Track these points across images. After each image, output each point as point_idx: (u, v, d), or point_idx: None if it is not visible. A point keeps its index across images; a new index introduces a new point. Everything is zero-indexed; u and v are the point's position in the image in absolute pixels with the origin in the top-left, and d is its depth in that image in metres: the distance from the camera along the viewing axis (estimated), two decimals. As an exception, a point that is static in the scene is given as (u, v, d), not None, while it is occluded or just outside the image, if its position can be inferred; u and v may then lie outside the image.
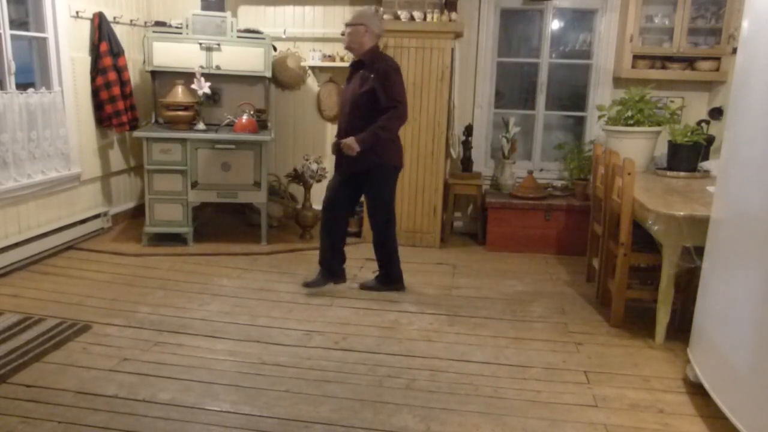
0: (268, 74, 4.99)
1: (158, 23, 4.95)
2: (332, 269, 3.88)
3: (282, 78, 5.38)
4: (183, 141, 4.55)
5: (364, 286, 3.92)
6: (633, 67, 4.81)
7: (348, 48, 3.63)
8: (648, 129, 4.26)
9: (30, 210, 4.18)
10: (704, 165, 4.23)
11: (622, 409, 2.62)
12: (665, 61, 4.84)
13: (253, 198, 4.79)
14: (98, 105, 4.74)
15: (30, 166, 4.13)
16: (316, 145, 5.54)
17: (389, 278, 3.91)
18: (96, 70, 4.65)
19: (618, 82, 5.06)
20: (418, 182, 4.87)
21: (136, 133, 4.61)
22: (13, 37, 3.97)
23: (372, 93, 3.49)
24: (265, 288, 3.91)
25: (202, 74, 4.68)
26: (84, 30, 4.62)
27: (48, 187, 4.30)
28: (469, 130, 5.11)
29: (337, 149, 3.67)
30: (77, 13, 4.48)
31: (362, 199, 3.91)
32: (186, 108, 4.73)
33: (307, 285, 3.87)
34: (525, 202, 4.90)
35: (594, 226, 4.17)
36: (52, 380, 2.67)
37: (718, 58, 4.70)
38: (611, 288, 3.55)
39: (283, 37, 5.19)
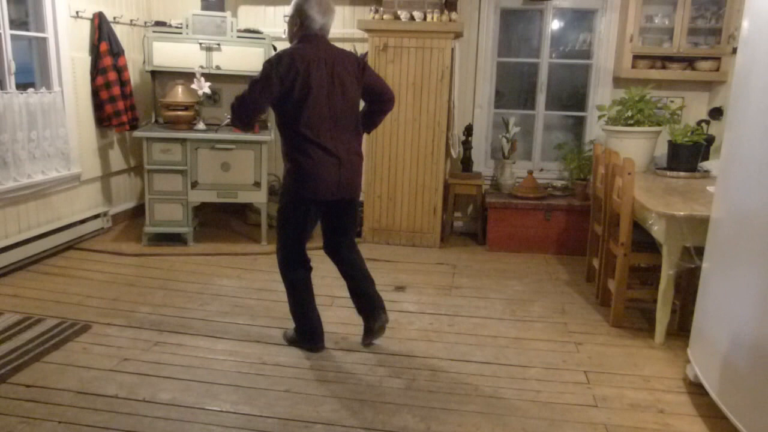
0: (268, 74, 4.98)
1: (158, 23, 4.95)
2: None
3: (282, 78, 5.37)
4: (183, 141, 4.55)
5: (284, 335, 3.22)
6: (633, 67, 4.81)
7: None
8: (648, 129, 4.26)
9: (30, 210, 4.18)
10: (704, 165, 4.23)
11: (622, 409, 2.62)
12: (665, 61, 4.83)
13: (253, 198, 4.79)
14: (98, 105, 4.74)
15: (30, 166, 4.13)
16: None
17: (295, 329, 3.15)
18: (96, 70, 4.65)
19: (618, 82, 5.06)
20: (418, 182, 4.87)
21: (136, 133, 4.61)
22: (13, 37, 3.97)
23: None
24: (265, 288, 3.91)
25: (202, 74, 4.68)
26: (84, 30, 4.62)
27: (48, 187, 4.30)
28: (469, 130, 5.11)
29: None
30: (77, 13, 4.48)
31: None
32: (186, 108, 4.73)
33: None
34: (525, 202, 4.90)
35: (594, 226, 4.17)
36: (52, 380, 2.68)
37: (718, 58, 4.70)
38: (611, 288, 3.55)
39: (283, 37, 5.16)
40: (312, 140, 2.78)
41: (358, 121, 2.97)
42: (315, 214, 2.97)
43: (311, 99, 2.75)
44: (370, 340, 3.15)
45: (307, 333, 3.09)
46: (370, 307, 3.10)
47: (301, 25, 2.83)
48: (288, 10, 2.90)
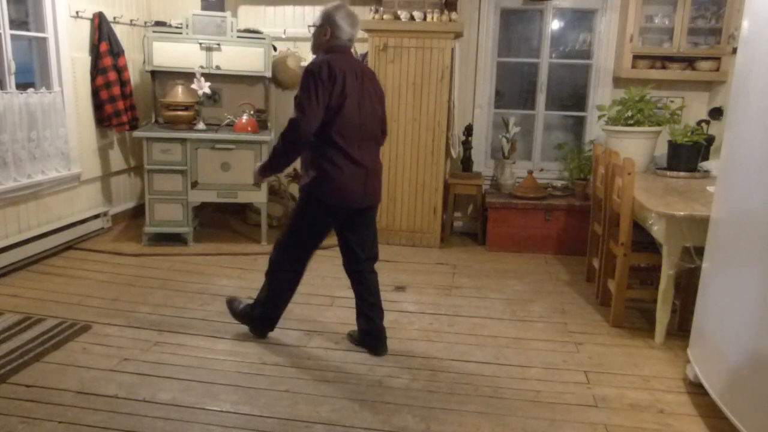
0: (268, 74, 4.99)
1: (158, 23, 4.95)
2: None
3: (282, 78, 5.37)
4: (183, 141, 4.55)
5: (229, 302, 3.31)
6: (633, 67, 4.81)
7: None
8: (648, 129, 4.26)
9: (30, 210, 4.18)
10: (704, 165, 4.23)
11: (622, 409, 2.62)
12: (665, 61, 4.83)
13: (253, 198, 4.79)
14: (98, 105, 4.74)
15: (30, 166, 4.13)
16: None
17: (251, 312, 3.17)
18: (96, 70, 4.65)
19: (618, 82, 5.05)
20: (418, 182, 4.87)
21: (136, 133, 4.61)
22: (13, 37, 3.97)
23: None
24: (265, 288, 3.90)
25: (202, 74, 4.68)
26: (84, 30, 4.62)
27: (48, 187, 4.30)
28: (469, 130, 5.12)
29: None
30: (77, 13, 4.48)
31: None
32: (186, 108, 4.73)
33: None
34: (525, 202, 4.90)
35: (594, 226, 4.17)
36: (52, 380, 2.68)
37: (718, 58, 4.70)
38: (611, 288, 3.55)
39: (283, 37, 5.19)
40: (342, 149, 2.78)
41: (379, 133, 3.00)
42: (334, 223, 2.96)
43: (346, 108, 2.75)
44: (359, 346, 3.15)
45: (268, 321, 3.14)
46: (372, 336, 3.09)
47: (331, 35, 2.83)
48: (315, 20, 2.91)
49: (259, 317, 3.14)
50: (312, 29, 2.95)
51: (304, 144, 2.76)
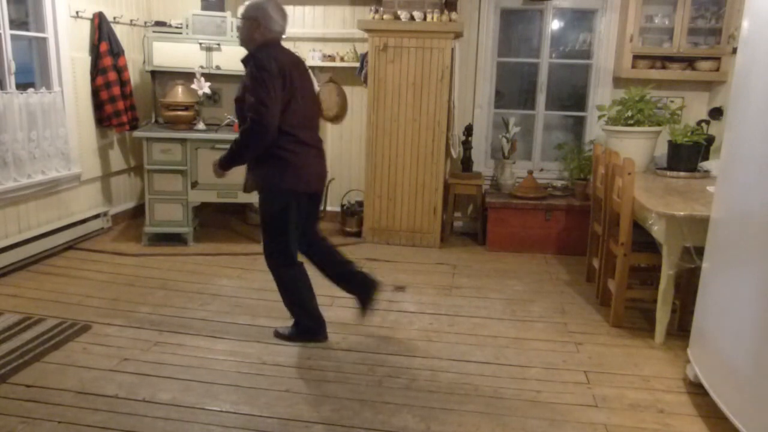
0: (268, 74, 4.98)
1: (158, 23, 4.96)
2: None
3: (282, 78, 5.37)
4: (183, 141, 4.55)
5: (277, 333, 3.21)
6: (633, 67, 4.81)
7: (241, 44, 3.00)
8: (648, 129, 4.26)
9: (30, 210, 4.18)
10: (704, 165, 4.23)
11: (622, 409, 2.62)
12: (665, 61, 4.83)
13: (253, 198, 4.76)
14: (98, 105, 4.74)
15: (30, 166, 4.13)
16: (316, 145, 5.54)
17: (298, 326, 3.18)
18: (96, 70, 4.65)
19: (618, 82, 5.05)
20: (418, 182, 4.87)
21: (136, 133, 4.61)
22: (13, 37, 3.97)
23: (243, 100, 2.81)
24: (265, 288, 3.90)
25: (202, 74, 4.68)
26: (84, 30, 4.62)
27: (48, 187, 4.30)
28: (469, 130, 5.11)
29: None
30: (77, 13, 4.48)
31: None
32: (186, 108, 4.74)
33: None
34: (525, 202, 4.90)
35: (594, 226, 4.17)
36: (52, 380, 2.68)
37: (718, 58, 4.70)
38: (611, 288, 3.55)
39: (283, 37, 5.18)
40: (298, 137, 2.88)
41: (319, 117, 3.18)
42: (303, 207, 3.00)
43: (295, 99, 2.83)
44: (368, 310, 3.24)
45: (315, 320, 3.16)
46: (363, 280, 3.18)
47: (265, 28, 2.87)
48: (243, 12, 2.91)
49: (306, 323, 3.16)
50: (239, 22, 2.95)
51: (272, 136, 2.78)
